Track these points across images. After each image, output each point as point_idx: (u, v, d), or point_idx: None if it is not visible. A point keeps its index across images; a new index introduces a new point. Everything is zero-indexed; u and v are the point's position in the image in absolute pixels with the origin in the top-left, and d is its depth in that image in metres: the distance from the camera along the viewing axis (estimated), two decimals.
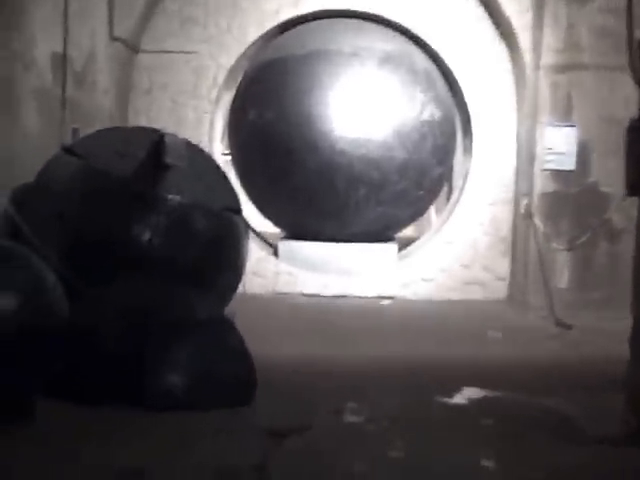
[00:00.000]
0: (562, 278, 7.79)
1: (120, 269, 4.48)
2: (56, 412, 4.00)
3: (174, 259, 4.66)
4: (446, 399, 4.94)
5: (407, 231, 10.17)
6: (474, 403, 4.92)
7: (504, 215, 8.75)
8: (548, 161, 7.82)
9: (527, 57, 8.09)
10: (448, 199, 10.97)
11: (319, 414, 4.40)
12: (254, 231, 9.32)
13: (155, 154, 4.76)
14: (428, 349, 6.40)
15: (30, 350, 3.73)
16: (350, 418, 4.43)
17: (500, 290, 8.75)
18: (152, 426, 3.95)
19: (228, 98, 9.15)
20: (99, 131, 5.42)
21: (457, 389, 5.16)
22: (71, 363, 4.02)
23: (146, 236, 4.60)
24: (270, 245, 9.31)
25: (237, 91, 9.01)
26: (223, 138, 9.53)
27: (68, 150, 5.03)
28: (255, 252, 8.50)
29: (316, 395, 4.76)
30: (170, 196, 4.70)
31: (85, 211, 4.64)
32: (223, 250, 5.00)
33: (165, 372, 4.24)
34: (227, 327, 4.66)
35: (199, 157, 5.26)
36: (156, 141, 4.80)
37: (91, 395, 4.08)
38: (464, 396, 5.07)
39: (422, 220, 10.75)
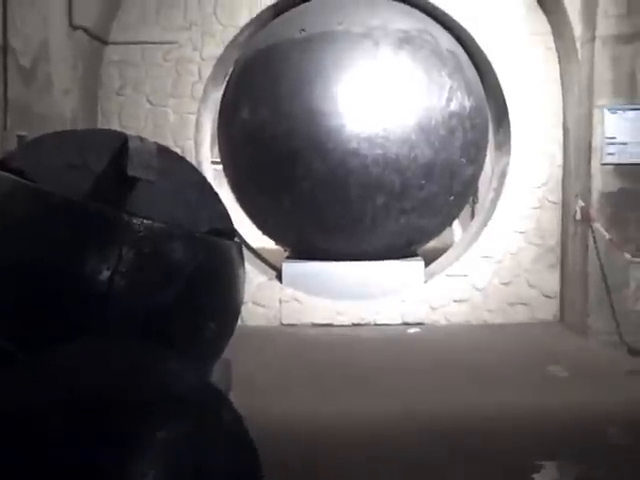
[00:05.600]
0: (631, 295, 6.61)
1: (68, 324, 3.33)
2: None
3: (143, 306, 3.48)
4: None
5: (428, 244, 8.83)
6: None
7: (551, 221, 7.50)
8: (609, 153, 6.68)
9: (577, 28, 6.90)
10: (473, 203, 9.75)
11: None
12: (253, 251, 8.06)
13: (116, 164, 3.64)
14: (475, 396, 5.17)
15: None
16: None
17: (549, 310, 7.50)
18: None
19: (216, 95, 7.97)
20: (43, 137, 4.13)
21: (534, 465, 3.90)
22: None
23: (104, 275, 3.44)
24: (272, 267, 8.04)
25: (227, 86, 7.81)
26: (212, 143, 8.31)
27: (1, 164, 3.81)
28: (255, 276, 7.31)
29: None
30: (137, 219, 3.54)
31: (19, 245, 3.48)
32: (211, 289, 3.81)
33: (132, 475, 2.90)
34: (218, 400, 3.41)
35: (176, 167, 4.07)
36: (117, 148, 3.66)
37: None
38: (548, 478, 3.81)
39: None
